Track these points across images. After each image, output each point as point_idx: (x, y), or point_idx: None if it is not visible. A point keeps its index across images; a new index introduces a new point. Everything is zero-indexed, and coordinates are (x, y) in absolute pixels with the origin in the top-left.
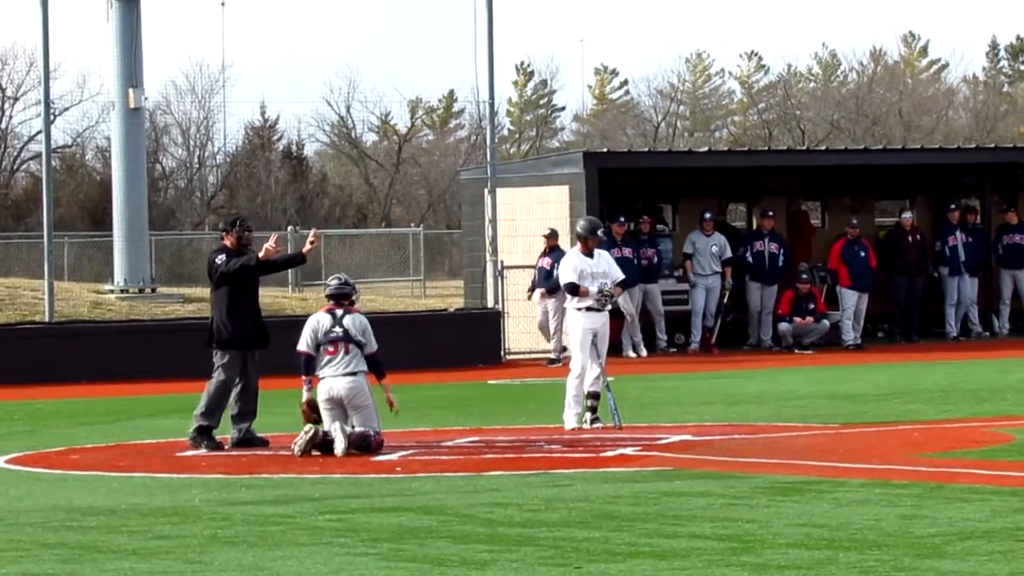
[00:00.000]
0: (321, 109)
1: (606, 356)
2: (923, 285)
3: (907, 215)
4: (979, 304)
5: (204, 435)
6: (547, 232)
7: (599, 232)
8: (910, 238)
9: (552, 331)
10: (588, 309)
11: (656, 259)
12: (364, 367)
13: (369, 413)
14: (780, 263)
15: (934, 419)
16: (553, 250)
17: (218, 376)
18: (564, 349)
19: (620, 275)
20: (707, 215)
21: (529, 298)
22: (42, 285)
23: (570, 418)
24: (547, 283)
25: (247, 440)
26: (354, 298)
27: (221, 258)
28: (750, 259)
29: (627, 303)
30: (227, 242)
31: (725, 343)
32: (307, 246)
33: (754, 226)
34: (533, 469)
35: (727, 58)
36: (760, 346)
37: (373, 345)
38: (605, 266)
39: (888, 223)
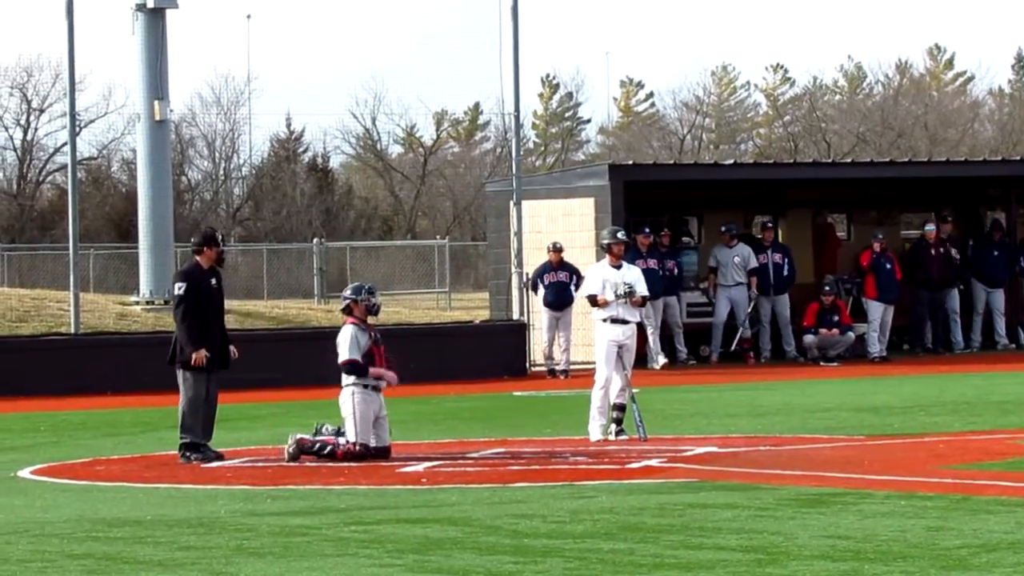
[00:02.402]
0: (347, 121)
1: (632, 368)
2: (946, 298)
3: (930, 227)
4: (1005, 316)
5: (190, 449)
6: (559, 247)
7: (619, 235)
8: (933, 251)
9: (563, 345)
10: (613, 321)
11: (676, 271)
12: (347, 380)
13: (346, 423)
14: (785, 273)
15: (959, 431)
16: (563, 264)
17: (185, 395)
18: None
19: (644, 291)
20: (724, 228)
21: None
22: (68, 296)
23: (595, 430)
24: (566, 296)
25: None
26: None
27: (181, 286)
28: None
29: (650, 315)
30: (201, 259)
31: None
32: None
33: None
34: (558, 481)
35: (753, 71)
36: (784, 357)
37: (341, 356)
38: (631, 279)
39: (914, 236)
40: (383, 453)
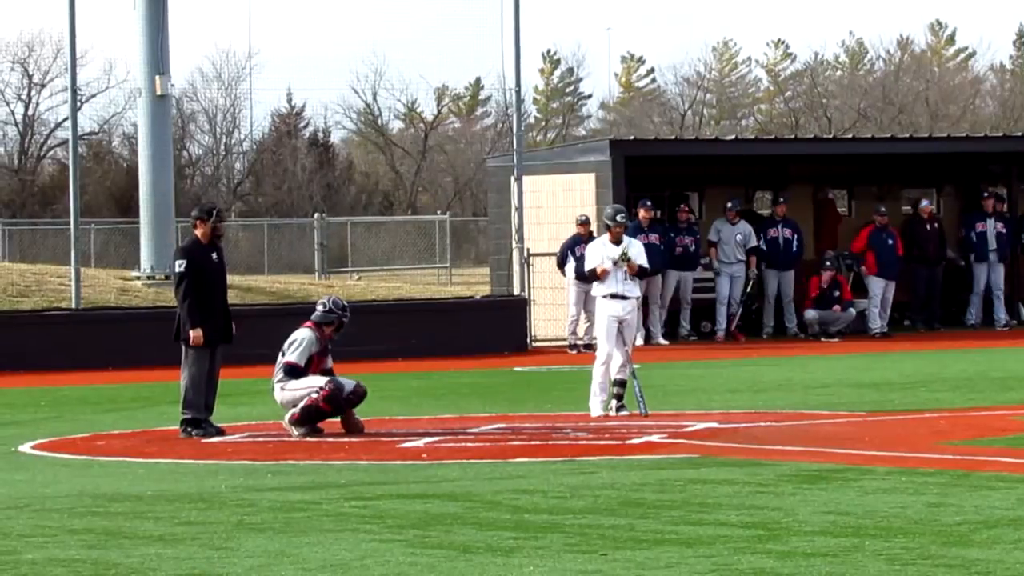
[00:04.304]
0: (347, 96)
1: (632, 344)
2: (942, 274)
3: (925, 203)
4: (1006, 292)
5: (191, 425)
6: (587, 219)
7: (619, 217)
8: (927, 227)
9: (585, 318)
10: (613, 296)
11: (693, 247)
12: (279, 375)
13: (302, 396)
14: (794, 249)
15: (960, 407)
16: (591, 236)
17: (188, 371)
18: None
19: (644, 263)
20: (729, 205)
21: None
22: (69, 271)
23: (596, 405)
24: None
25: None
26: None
27: (182, 263)
28: (764, 246)
29: (653, 290)
30: (199, 232)
31: (751, 331)
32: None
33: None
34: (559, 456)
35: (754, 46)
36: (785, 334)
37: (289, 356)
38: (632, 253)
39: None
40: (360, 393)
